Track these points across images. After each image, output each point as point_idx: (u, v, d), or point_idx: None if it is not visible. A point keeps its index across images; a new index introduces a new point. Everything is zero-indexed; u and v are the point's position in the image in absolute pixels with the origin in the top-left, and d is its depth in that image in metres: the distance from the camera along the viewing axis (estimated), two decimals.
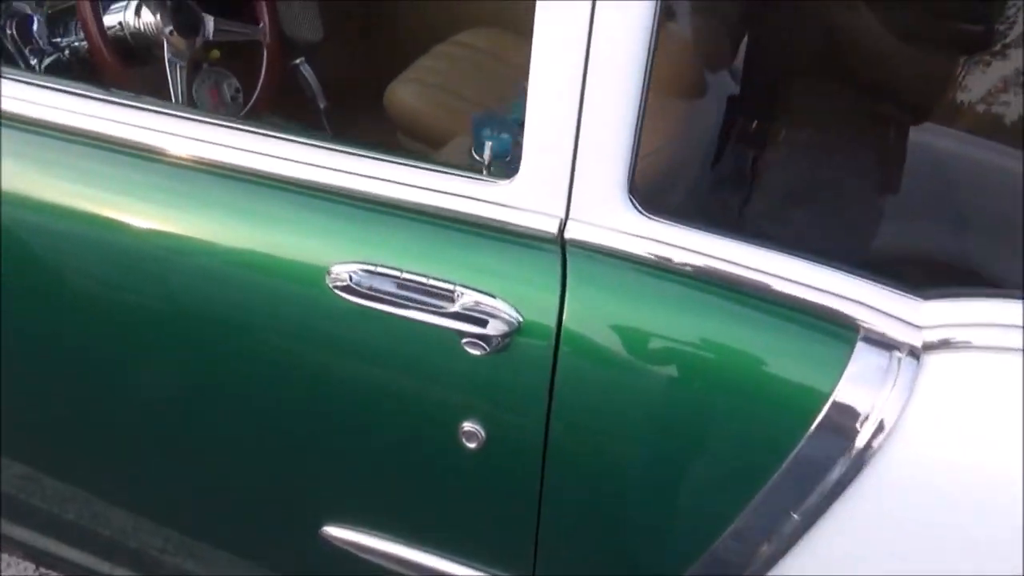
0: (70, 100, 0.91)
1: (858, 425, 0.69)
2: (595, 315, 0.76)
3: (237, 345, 0.89)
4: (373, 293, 0.78)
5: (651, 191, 0.77)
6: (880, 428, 0.69)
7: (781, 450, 0.71)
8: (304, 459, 0.96)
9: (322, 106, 1.79)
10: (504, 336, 0.76)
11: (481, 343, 0.76)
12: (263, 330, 0.87)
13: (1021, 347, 0.68)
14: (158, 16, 1.28)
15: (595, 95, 0.71)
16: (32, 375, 1.06)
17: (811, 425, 0.70)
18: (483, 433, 0.81)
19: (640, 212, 0.75)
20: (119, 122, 0.88)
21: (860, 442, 0.69)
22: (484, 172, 0.82)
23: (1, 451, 1.20)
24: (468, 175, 0.80)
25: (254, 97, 1.46)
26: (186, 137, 0.86)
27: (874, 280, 0.72)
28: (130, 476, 1.14)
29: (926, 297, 0.72)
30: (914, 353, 0.70)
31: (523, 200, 0.78)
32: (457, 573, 0.94)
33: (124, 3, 1.31)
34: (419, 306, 0.77)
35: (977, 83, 1.00)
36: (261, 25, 1.47)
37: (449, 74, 1.86)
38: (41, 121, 0.91)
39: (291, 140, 0.84)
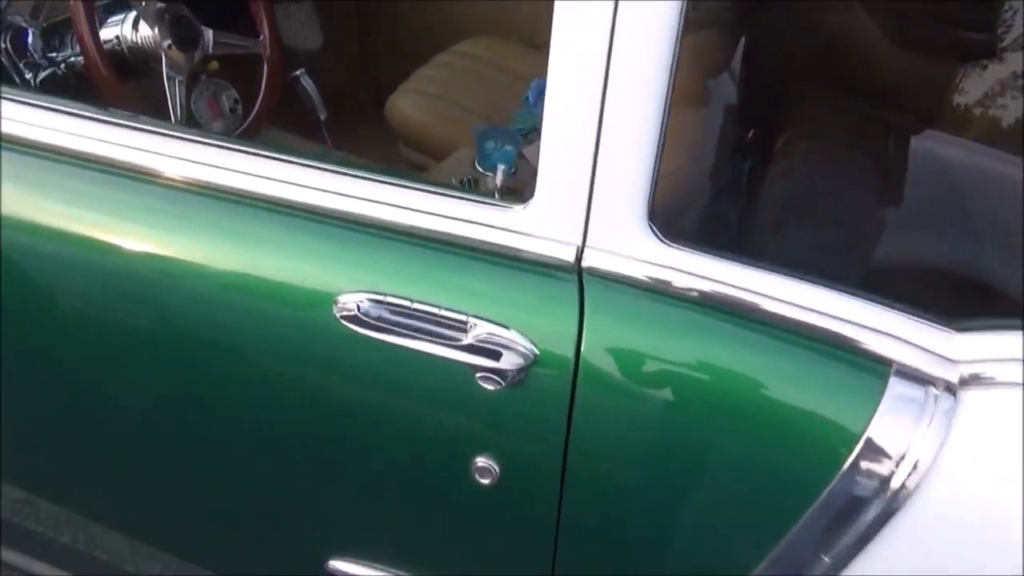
0: (66, 120, 0.88)
1: (893, 464, 0.66)
2: (615, 346, 0.73)
3: (239, 375, 0.86)
4: (382, 324, 0.75)
5: (671, 217, 0.75)
6: (915, 467, 0.66)
7: (811, 489, 0.68)
8: (308, 491, 0.93)
9: (322, 118, 1.76)
10: (520, 370, 0.73)
11: (496, 378, 0.72)
12: (268, 360, 0.84)
13: None
14: (156, 30, 1.24)
15: (615, 116, 0.68)
16: (28, 398, 1.04)
17: (843, 464, 0.67)
18: (497, 468, 0.78)
19: (660, 239, 0.72)
20: (119, 144, 0.85)
21: (895, 482, 0.66)
22: (496, 196, 0.79)
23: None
24: (480, 200, 0.77)
25: (254, 112, 1.43)
26: (190, 160, 0.83)
27: (905, 311, 0.70)
28: (127, 500, 1.11)
29: (959, 329, 0.69)
30: (950, 389, 0.67)
31: (538, 227, 0.75)
32: None
33: (121, 16, 1.28)
34: (431, 338, 0.74)
35: (974, 87, 0.98)
36: (261, 38, 1.44)
37: (450, 84, 1.84)
38: (36, 142, 0.88)
39: (297, 163, 0.81)
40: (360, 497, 0.89)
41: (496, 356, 0.73)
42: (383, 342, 0.75)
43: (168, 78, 1.25)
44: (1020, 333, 0.68)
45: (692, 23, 0.82)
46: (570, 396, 0.73)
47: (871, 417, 0.66)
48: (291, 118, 1.62)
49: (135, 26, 1.26)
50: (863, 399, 0.67)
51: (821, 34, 0.99)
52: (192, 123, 1.33)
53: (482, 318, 0.74)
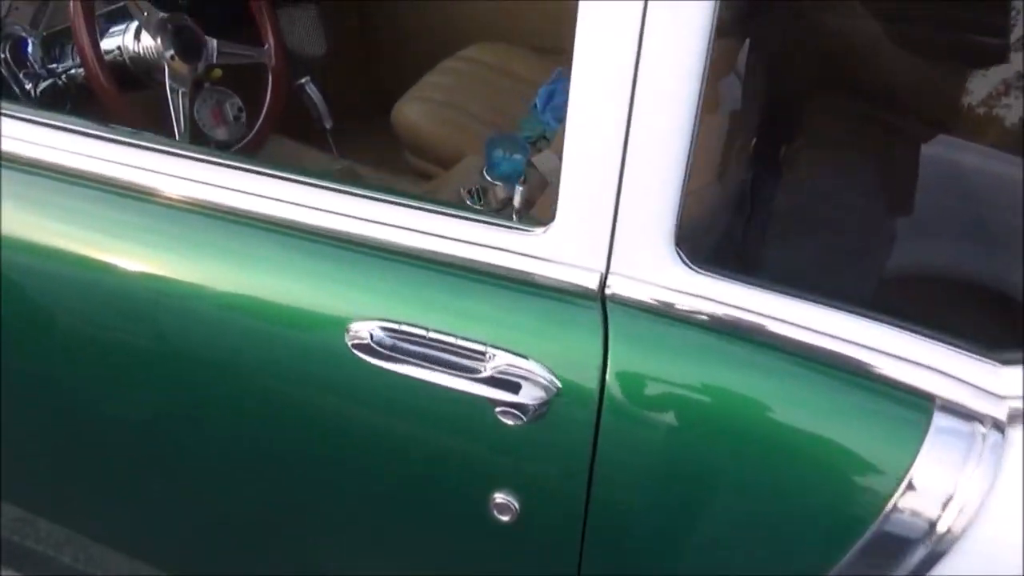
0: (66, 138, 0.85)
1: (938, 506, 0.63)
2: (642, 378, 0.69)
3: (244, 400, 0.83)
4: (396, 355, 0.72)
5: (697, 240, 0.71)
6: (962, 510, 0.62)
7: (851, 533, 0.65)
8: (315, 523, 0.89)
9: (328, 126, 1.72)
10: (542, 404, 0.69)
11: (517, 413, 0.69)
12: (273, 389, 0.80)
13: None
14: (159, 40, 1.21)
15: (641, 135, 0.65)
16: (27, 417, 1.02)
17: (885, 505, 0.64)
18: (517, 505, 0.74)
19: (688, 266, 0.69)
20: (124, 164, 0.82)
21: (940, 525, 0.63)
22: (515, 218, 0.75)
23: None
24: (498, 223, 0.73)
25: (259, 122, 1.40)
26: (194, 180, 0.80)
27: (947, 341, 0.66)
28: (128, 520, 1.09)
29: (1003, 361, 0.66)
30: (997, 426, 0.63)
31: (560, 252, 0.71)
32: None
33: (123, 26, 1.24)
34: (447, 370, 0.71)
35: (978, 86, 0.95)
36: (266, 46, 1.41)
37: (457, 90, 1.81)
38: (36, 160, 0.85)
39: (305, 182, 0.78)
40: (371, 535, 0.86)
41: (516, 388, 0.70)
42: (397, 373, 0.72)
43: (171, 89, 1.22)
44: None
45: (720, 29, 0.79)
46: (594, 430, 0.70)
47: (914, 456, 0.63)
48: (296, 126, 1.59)
49: (137, 36, 1.23)
50: (906, 437, 0.64)
51: (841, 41, 0.96)
52: (195, 134, 1.30)
53: (501, 348, 0.70)
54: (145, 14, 1.20)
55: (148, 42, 1.22)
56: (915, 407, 0.65)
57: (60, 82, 1.26)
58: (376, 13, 2.06)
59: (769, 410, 0.67)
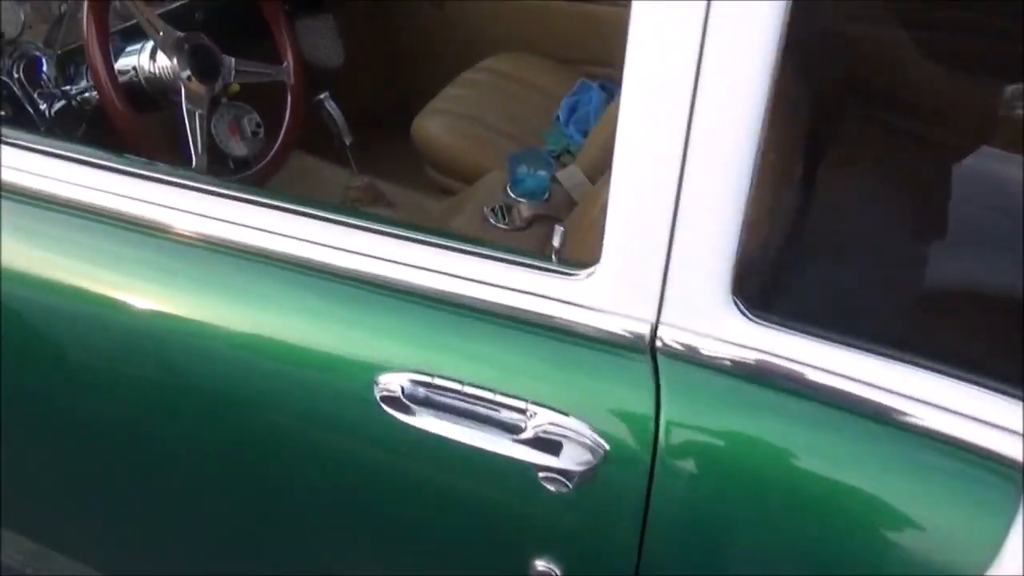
0: (72, 170, 0.80)
1: None
2: (698, 440, 0.63)
3: (257, 450, 0.79)
4: (428, 411, 0.66)
5: (757, 288, 0.65)
6: None
7: None
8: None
9: (347, 142, 1.68)
10: (589, 468, 0.64)
11: (562, 480, 0.63)
12: (292, 441, 0.76)
13: None
14: (175, 60, 1.17)
15: (697, 172, 0.59)
16: (31, 451, 0.99)
17: None
18: (559, 573, 0.69)
19: (746, 316, 0.63)
20: (138, 200, 0.78)
21: None
22: (554, 259, 0.69)
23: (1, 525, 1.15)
24: (537, 266, 0.67)
25: (279, 142, 1.35)
26: (211, 217, 0.75)
27: None
28: (141, 555, 1.05)
29: None
30: None
31: (605, 300, 0.66)
32: None
33: (139, 46, 1.20)
34: (484, 427, 0.65)
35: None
36: (285, 64, 1.36)
37: (477, 103, 1.77)
38: (39, 192, 0.81)
39: (330, 220, 0.73)
40: None
41: (558, 449, 0.64)
42: (430, 433, 0.67)
43: (187, 111, 1.18)
44: None
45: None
46: (645, 494, 0.64)
47: (1004, 538, 0.57)
48: (315, 141, 1.55)
49: (152, 56, 1.19)
50: (995, 512, 0.57)
51: (874, 56, 0.90)
52: (213, 155, 1.26)
53: (543, 405, 0.65)
54: (161, 34, 1.17)
55: (164, 62, 1.18)
56: (1004, 476, 0.58)
57: (74, 103, 1.22)
58: (394, 26, 2.02)
59: (834, 478, 0.61)
